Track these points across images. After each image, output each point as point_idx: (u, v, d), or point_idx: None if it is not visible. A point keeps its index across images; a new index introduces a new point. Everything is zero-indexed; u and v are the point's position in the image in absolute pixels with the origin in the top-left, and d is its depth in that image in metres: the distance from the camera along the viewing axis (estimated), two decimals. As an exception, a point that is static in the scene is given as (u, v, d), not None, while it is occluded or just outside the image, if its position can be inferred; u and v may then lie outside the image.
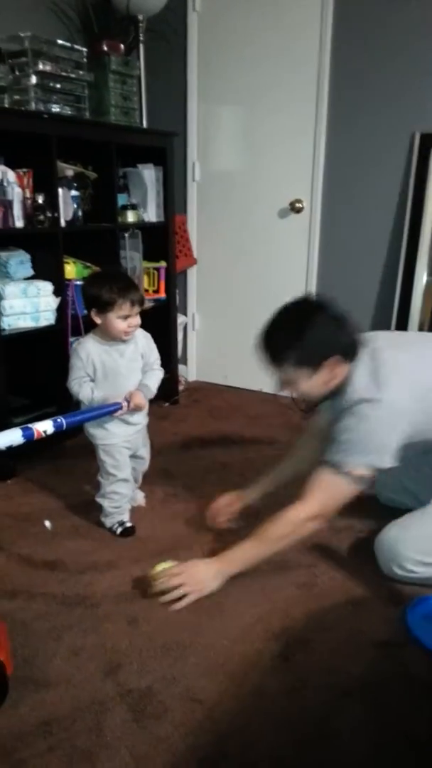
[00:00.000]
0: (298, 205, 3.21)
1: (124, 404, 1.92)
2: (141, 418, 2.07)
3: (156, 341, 2.10)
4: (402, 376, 1.72)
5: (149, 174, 3.06)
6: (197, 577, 1.74)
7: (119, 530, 2.09)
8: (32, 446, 2.22)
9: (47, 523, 2.11)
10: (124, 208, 2.94)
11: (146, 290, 3.12)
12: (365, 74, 2.92)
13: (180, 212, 3.46)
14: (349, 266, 3.15)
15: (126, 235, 2.96)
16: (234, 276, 3.50)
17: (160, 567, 1.76)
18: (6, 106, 2.49)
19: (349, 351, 1.72)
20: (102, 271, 2.04)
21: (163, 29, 3.22)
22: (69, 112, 2.68)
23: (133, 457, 2.12)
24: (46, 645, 1.57)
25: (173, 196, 3.19)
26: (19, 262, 2.45)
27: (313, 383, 1.73)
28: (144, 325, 2.02)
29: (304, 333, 1.67)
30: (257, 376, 3.52)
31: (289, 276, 3.32)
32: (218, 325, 3.69)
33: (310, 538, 2.03)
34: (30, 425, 1.66)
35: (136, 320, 1.95)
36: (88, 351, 1.97)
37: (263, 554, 1.77)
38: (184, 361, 3.80)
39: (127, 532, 2.09)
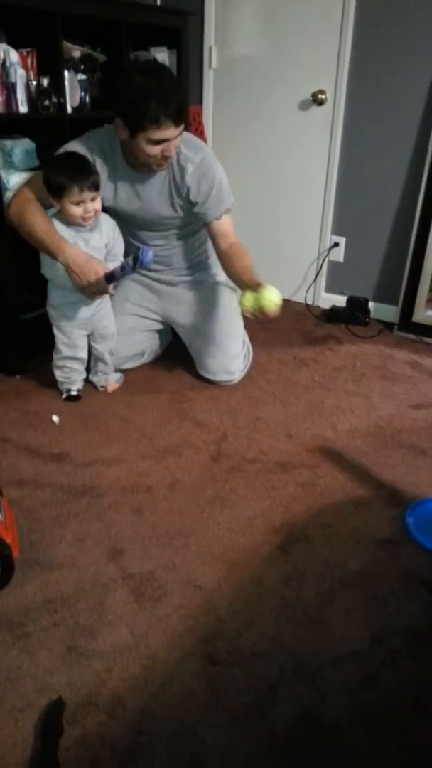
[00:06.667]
0: (321, 96, 3.01)
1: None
2: (94, 304, 2.12)
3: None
4: None
5: (162, 58, 2.86)
6: None
7: (64, 396, 2.26)
8: (42, 343, 2.24)
9: (55, 418, 2.13)
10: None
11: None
12: None
13: (194, 102, 3.27)
14: (372, 164, 2.98)
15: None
16: (250, 171, 3.33)
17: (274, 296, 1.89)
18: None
19: None
20: (59, 154, 2.00)
21: None
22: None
23: (95, 336, 2.21)
24: (52, 531, 1.61)
25: (188, 84, 3.00)
26: (25, 151, 2.34)
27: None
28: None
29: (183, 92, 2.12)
30: (272, 281, 3.47)
31: (308, 172, 3.17)
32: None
33: (312, 440, 2.06)
34: None
35: (93, 205, 1.94)
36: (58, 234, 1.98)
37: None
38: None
39: (71, 398, 2.25)
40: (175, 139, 1.92)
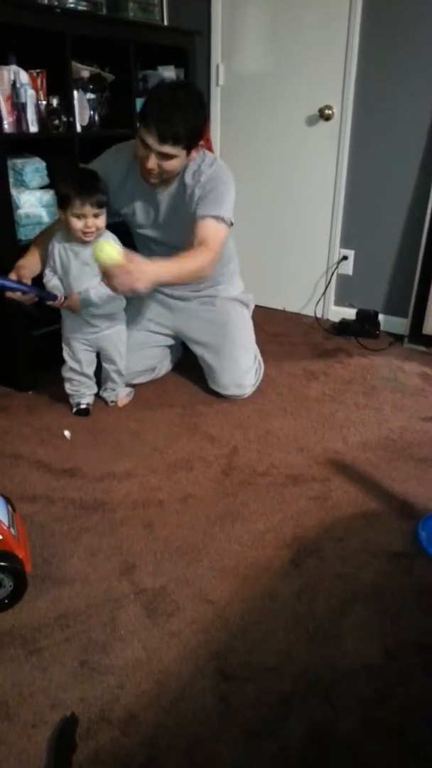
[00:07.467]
0: (327, 111, 3.03)
1: (60, 299, 2.04)
2: (102, 324, 2.16)
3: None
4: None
5: (170, 77, 2.91)
6: (140, 271, 1.79)
7: (74, 410, 2.29)
8: (53, 358, 2.26)
9: (66, 433, 2.14)
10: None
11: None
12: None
13: (203, 119, 3.30)
14: (380, 178, 3.00)
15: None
16: (259, 186, 3.36)
17: (108, 248, 1.76)
18: (17, -1, 2.35)
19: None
20: (74, 168, 2.05)
21: None
22: (84, 8, 2.53)
23: (103, 356, 2.25)
24: (64, 546, 1.62)
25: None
26: (35, 169, 2.37)
27: (181, 161, 2.01)
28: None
29: (200, 118, 1.97)
30: (279, 294, 3.49)
31: (316, 186, 3.19)
32: (240, 238, 3.59)
33: (323, 453, 2.05)
34: None
35: (95, 222, 1.97)
36: (53, 245, 2.05)
37: (180, 278, 2.07)
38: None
39: (80, 413, 2.28)
40: (158, 153, 1.93)
